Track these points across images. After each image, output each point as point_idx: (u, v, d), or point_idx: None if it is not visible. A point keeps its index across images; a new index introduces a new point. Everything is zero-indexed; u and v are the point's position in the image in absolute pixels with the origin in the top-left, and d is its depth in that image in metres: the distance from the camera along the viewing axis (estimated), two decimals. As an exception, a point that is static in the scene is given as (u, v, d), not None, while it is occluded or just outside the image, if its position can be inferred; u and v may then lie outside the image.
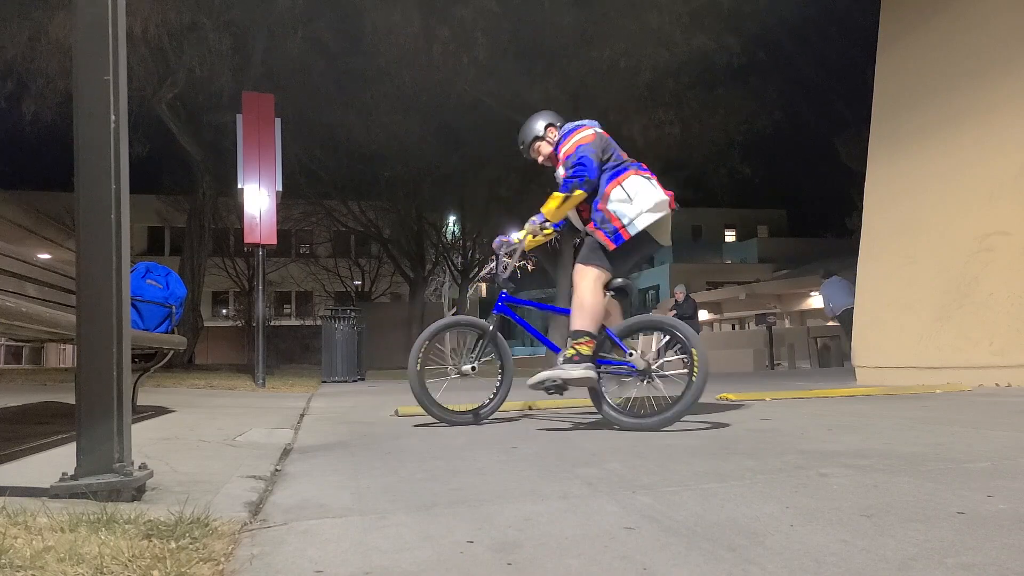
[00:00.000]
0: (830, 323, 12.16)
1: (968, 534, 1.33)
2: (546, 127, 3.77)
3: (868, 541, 1.31)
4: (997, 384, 5.26)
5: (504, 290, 3.73)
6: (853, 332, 6.78)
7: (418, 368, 3.50)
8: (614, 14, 13.59)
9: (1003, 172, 5.53)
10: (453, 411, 3.59)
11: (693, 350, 3.12)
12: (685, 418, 3.46)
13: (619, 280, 3.46)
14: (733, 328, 25.16)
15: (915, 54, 6.57)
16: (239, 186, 8.06)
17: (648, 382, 3.28)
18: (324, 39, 13.56)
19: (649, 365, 3.28)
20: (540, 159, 3.83)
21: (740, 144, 17.40)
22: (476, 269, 25.32)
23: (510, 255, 3.76)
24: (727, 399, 4.60)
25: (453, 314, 28.82)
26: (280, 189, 8.22)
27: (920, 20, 6.57)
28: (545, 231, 3.64)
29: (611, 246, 3.37)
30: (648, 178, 3.49)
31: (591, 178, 3.41)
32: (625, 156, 3.60)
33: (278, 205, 8.27)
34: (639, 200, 3.39)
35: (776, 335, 16.50)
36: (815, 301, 29.90)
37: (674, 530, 1.42)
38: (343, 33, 13.60)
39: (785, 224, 44.32)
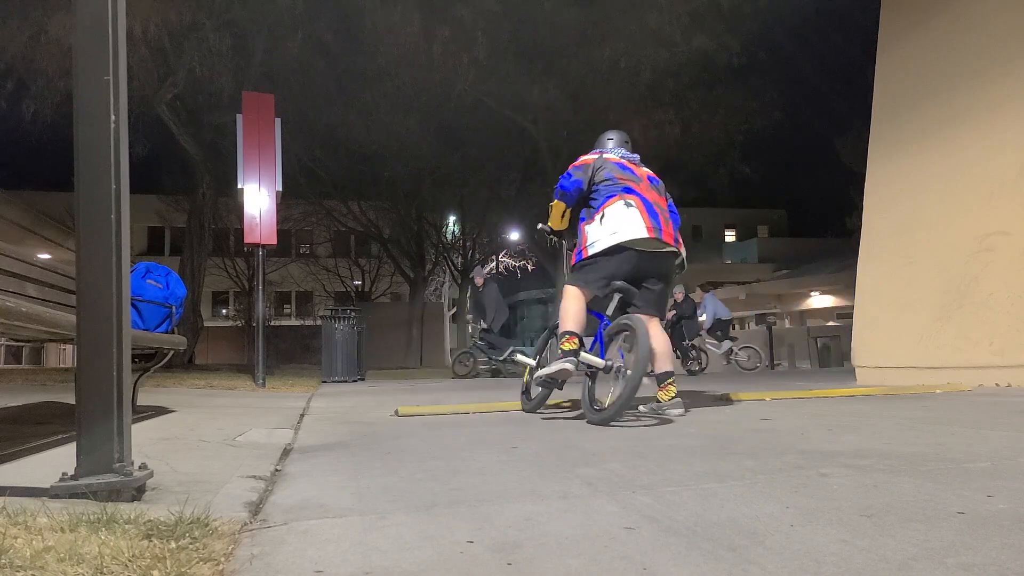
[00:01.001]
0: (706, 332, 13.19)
1: (968, 534, 1.33)
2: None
3: (868, 541, 1.31)
4: (997, 384, 5.26)
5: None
6: (853, 332, 6.78)
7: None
8: (614, 14, 13.60)
9: (1003, 172, 5.52)
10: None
11: (635, 348, 3.23)
12: (685, 417, 3.46)
13: (617, 283, 3.67)
14: (733, 328, 25.14)
15: (915, 54, 6.56)
16: (239, 186, 8.05)
17: (616, 378, 3.43)
18: (324, 39, 13.56)
19: (611, 363, 3.46)
20: None
21: (740, 144, 17.42)
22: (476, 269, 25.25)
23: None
24: (727, 399, 4.60)
25: (453, 315, 28.85)
26: (280, 189, 8.20)
27: (920, 20, 6.56)
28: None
29: (572, 260, 3.86)
30: (629, 205, 3.69)
31: (562, 190, 3.90)
32: (621, 178, 3.79)
33: (278, 205, 8.26)
34: (608, 224, 3.69)
35: (776, 335, 16.55)
36: (815, 301, 29.94)
37: (674, 530, 1.42)
38: (343, 33, 13.61)
39: (785, 224, 44.27)
